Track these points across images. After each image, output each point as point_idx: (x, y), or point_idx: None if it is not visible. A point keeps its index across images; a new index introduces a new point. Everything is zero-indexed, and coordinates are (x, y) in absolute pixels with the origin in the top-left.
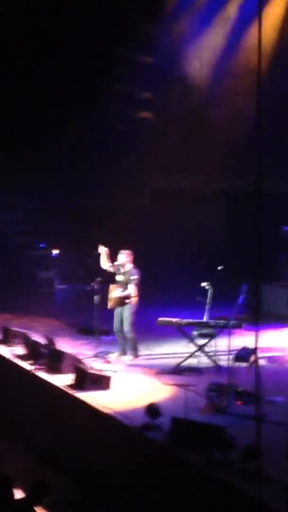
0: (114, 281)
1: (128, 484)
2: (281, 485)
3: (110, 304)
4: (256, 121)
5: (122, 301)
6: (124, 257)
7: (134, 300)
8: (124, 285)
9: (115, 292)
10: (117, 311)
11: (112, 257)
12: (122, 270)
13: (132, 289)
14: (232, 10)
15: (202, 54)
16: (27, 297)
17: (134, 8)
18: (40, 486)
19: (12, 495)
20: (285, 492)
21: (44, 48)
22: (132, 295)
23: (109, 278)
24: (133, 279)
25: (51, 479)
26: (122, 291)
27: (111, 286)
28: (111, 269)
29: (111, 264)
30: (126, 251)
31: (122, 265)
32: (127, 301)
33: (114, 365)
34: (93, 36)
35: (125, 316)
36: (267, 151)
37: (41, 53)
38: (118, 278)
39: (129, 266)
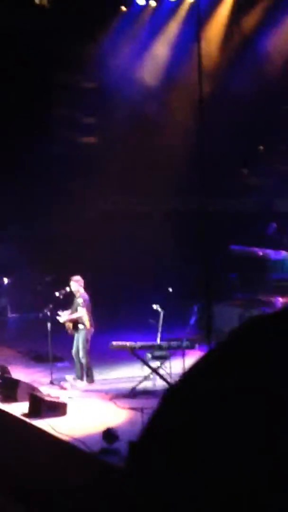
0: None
1: (89, 508)
2: None
3: (67, 330)
4: (200, 140)
5: (75, 326)
6: (75, 284)
7: (87, 325)
8: (74, 309)
9: (63, 317)
10: (75, 336)
11: (64, 283)
12: (74, 297)
13: (81, 313)
14: (173, 28)
15: (144, 75)
16: None
17: (75, 33)
18: None
19: None
20: None
21: None
22: (83, 319)
23: (61, 304)
24: (81, 303)
25: (7, 509)
26: (71, 315)
27: (64, 312)
28: (61, 296)
29: (60, 291)
30: (77, 277)
31: (74, 292)
32: (80, 326)
33: (70, 391)
34: (34, 61)
35: (79, 342)
36: (213, 170)
37: None
38: (74, 303)
39: (79, 292)
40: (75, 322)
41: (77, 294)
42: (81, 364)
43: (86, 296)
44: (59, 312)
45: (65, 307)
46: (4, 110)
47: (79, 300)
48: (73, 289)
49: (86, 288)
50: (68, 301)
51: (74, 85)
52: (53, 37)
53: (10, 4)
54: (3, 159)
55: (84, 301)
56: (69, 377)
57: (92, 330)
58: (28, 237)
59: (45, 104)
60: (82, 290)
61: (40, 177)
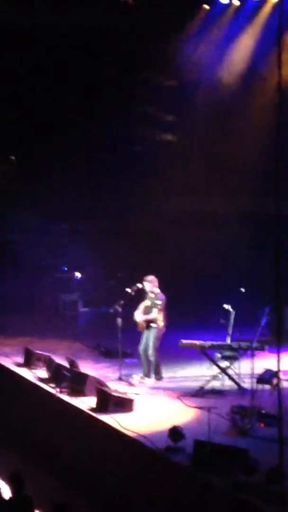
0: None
1: (151, 508)
2: None
3: (138, 327)
4: (277, 142)
5: (148, 325)
6: (149, 285)
7: (160, 324)
8: (150, 309)
9: (140, 316)
10: (144, 334)
11: (136, 280)
12: (148, 294)
13: (156, 314)
14: (255, 28)
15: (226, 74)
16: (50, 320)
17: (158, 31)
18: (61, 509)
19: None
20: None
21: (68, 73)
22: (158, 319)
23: (132, 300)
24: (159, 304)
25: (72, 503)
26: (146, 315)
27: (138, 309)
28: (133, 293)
29: (132, 287)
30: (150, 277)
31: (149, 290)
32: (153, 325)
33: (137, 387)
34: (116, 59)
35: (150, 340)
36: None
37: (66, 78)
38: (146, 302)
39: (156, 291)
40: (148, 321)
41: (151, 293)
42: (148, 361)
43: (163, 297)
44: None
45: (135, 303)
46: (82, 106)
47: (157, 302)
48: (147, 289)
49: (159, 286)
50: (139, 298)
51: (156, 83)
52: (136, 34)
53: (95, 1)
54: (82, 157)
55: (163, 302)
56: (136, 376)
57: (164, 329)
58: (102, 233)
59: (127, 101)
60: (158, 290)
61: (118, 175)
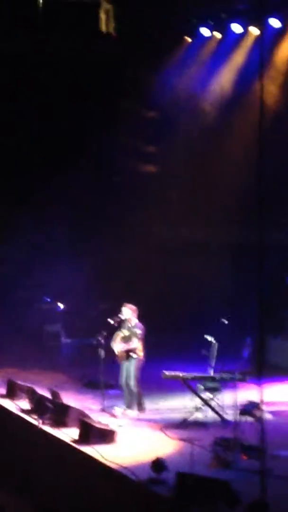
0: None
1: None
2: None
3: (117, 358)
4: (258, 173)
5: (127, 355)
6: (129, 312)
7: (140, 355)
8: (129, 339)
9: (119, 346)
10: (124, 365)
11: (118, 310)
12: (126, 325)
13: (136, 344)
14: (237, 60)
15: (206, 106)
16: (33, 351)
17: (139, 62)
18: None
19: None
20: None
21: (49, 102)
22: (137, 349)
23: (115, 331)
24: (138, 334)
25: None
26: (125, 345)
27: (114, 339)
28: (115, 324)
29: (114, 318)
30: (131, 306)
31: (128, 320)
32: (133, 355)
33: (120, 419)
34: (98, 89)
35: (130, 371)
36: (272, 203)
37: (46, 107)
38: (123, 332)
39: (134, 321)
40: (128, 352)
41: (131, 323)
42: (131, 392)
43: (142, 327)
44: (112, 341)
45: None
46: (64, 137)
47: (137, 331)
48: (126, 317)
49: (140, 317)
50: (119, 328)
51: (138, 114)
52: (118, 65)
53: (77, 32)
54: (63, 186)
55: (142, 332)
56: (119, 408)
57: (144, 359)
58: (84, 265)
59: (110, 132)
60: (136, 320)
61: (100, 206)
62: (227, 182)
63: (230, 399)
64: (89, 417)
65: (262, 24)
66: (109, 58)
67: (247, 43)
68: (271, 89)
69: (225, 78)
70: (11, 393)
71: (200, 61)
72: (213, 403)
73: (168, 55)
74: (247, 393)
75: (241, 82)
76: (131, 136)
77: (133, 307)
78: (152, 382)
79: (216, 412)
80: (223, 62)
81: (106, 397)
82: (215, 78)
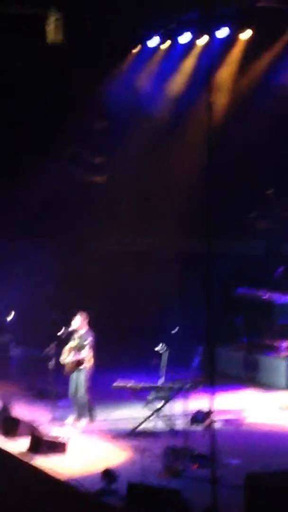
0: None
1: None
2: None
3: (65, 370)
4: (208, 183)
5: (77, 366)
6: (79, 320)
7: (89, 364)
8: (80, 348)
9: (68, 357)
10: (73, 376)
11: (67, 321)
12: (76, 335)
13: (86, 353)
14: (185, 69)
15: (155, 115)
16: None
17: (87, 72)
18: None
19: None
20: None
21: None
22: (87, 359)
23: (65, 342)
24: (87, 343)
25: None
26: (75, 355)
27: (64, 351)
28: (64, 335)
29: (64, 329)
30: (82, 315)
31: (77, 329)
32: (81, 366)
33: (70, 430)
34: (46, 100)
35: (79, 381)
36: (220, 211)
37: None
38: (72, 342)
39: (83, 330)
40: (78, 362)
41: (81, 331)
42: (80, 403)
43: (92, 334)
44: (63, 353)
45: (66, 345)
46: (14, 145)
47: (88, 339)
48: (76, 325)
49: (91, 326)
50: (69, 338)
51: (86, 124)
52: (66, 75)
53: (25, 42)
54: (10, 196)
55: (92, 340)
56: (70, 418)
57: (93, 368)
58: (32, 275)
59: (54, 142)
60: (86, 328)
61: (48, 216)
62: (176, 191)
63: (180, 408)
64: (38, 429)
65: (210, 33)
66: (56, 67)
67: (195, 52)
68: (219, 97)
69: (173, 87)
70: None
71: (149, 71)
72: (162, 413)
73: (116, 64)
74: (198, 402)
75: (190, 91)
76: (79, 147)
77: (84, 314)
78: (103, 392)
79: (166, 421)
80: (172, 71)
81: (56, 407)
82: (164, 87)
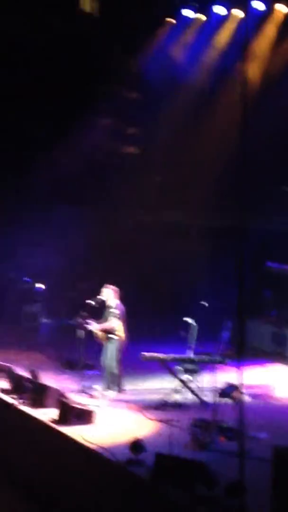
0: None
1: None
2: None
3: (98, 339)
4: (241, 157)
5: (107, 336)
6: (109, 292)
7: (120, 335)
8: (109, 319)
9: (95, 326)
10: (106, 345)
11: (98, 291)
12: (107, 306)
13: (114, 323)
14: (222, 41)
15: (189, 88)
16: (12, 331)
17: (120, 44)
18: None
19: None
20: None
21: (28, 83)
22: (116, 329)
23: (94, 312)
24: (117, 314)
25: None
26: (105, 325)
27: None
28: (94, 304)
29: (94, 299)
30: (111, 287)
31: (108, 301)
32: (113, 336)
33: (99, 400)
34: (79, 71)
35: (111, 352)
36: (253, 186)
37: (27, 87)
38: (104, 313)
39: (114, 302)
40: (107, 332)
41: (110, 303)
42: (111, 373)
43: (121, 307)
44: (89, 321)
45: (98, 315)
46: (47, 115)
47: (115, 311)
48: (105, 298)
49: (121, 298)
50: (101, 310)
51: (120, 95)
52: (100, 46)
53: (58, 11)
54: (41, 166)
55: (120, 312)
56: (98, 387)
57: (126, 341)
58: (64, 245)
59: (88, 113)
60: (117, 301)
61: (80, 187)
62: (209, 165)
63: (209, 381)
64: (68, 398)
65: (245, 7)
66: (91, 38)
67: (231, 25)
68: (253, 71)
69: (208, 60)
70: None
71: (183, 43)
72: (192, 385)
73: (151, 36)
74: (226, 376)
75: (224, 64)
76: (112, 117)
77: (114, 287)
78: (132, 364)
79: (195, 394)
80: (206, 44)
81: (84, 377)
82: (198, 58)
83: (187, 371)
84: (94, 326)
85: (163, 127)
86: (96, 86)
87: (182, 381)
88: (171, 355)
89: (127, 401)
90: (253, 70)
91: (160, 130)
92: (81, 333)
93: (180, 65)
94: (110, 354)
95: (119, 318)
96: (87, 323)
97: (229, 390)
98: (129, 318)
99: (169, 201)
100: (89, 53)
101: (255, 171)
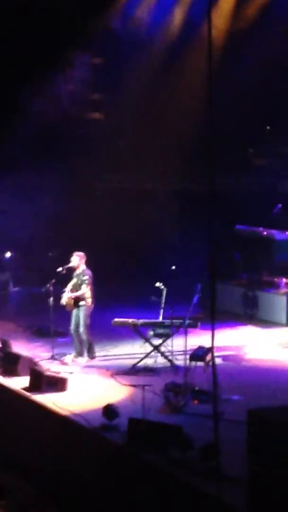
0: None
1: (86, 485)
2: (240, 483)
3: (66, 307)
4: (208, 121)
5: (76, 303)
6: (77, 259)
7: (89, 301)
8: (78, 286)
9: (66, 294)
10: (74, 312)
11: (66, 259)
12: (74, 273)
13: (84, 290)
14: (184, 5)
15: (153, 54)
16: None
17: (83, 10)
18: None
19: None
20: (243, 489)
21: None
22: (86, 295)
23: (64, 280)
24: (85, 279)
25: (7, 482)
26: (74, 292)
27: (67, 288)
28: (64, 272)
29: (62, 267)
30: (79, 253)
31: (75, 268)
32: (82, 303)
33: (71, 367)
34: (42, 37)
35: (80, 318)
36: (219, 149)
37: None
38: (73, 281)
39: (82, 267)
40: (77, 299)
41: (79, 269)
42: (80, 340)
43: (90, 273)
44: (64, 290)
45: (66, 282)
46: (9, 82)
47: (84, 278)
48: (74, 264)
49: (89, 264)
50: (69, 278)
51: (84, 61)
52: (61, 11)
53: None
54: (8, 135)
55: (89, 278)
56: (69, 355)
57: (93, 306)
58: (31, 213)
59: (52, 79)
60: (84, 267)
61: (46, 153)
62: (176, 129)
63: (181, 345)
64: (39, 365)
65: None
66: (52, 4)
67: None
68: (218, 29)
69: (172, 22)
70: None
71: (147, 3)
72: (163, 349)
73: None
74: (198, 339)
75: (189, 25)
76: (77, 84)
77: (81, 253)
78: (103, 329)
79: (166, 358)
80: (171, 3)
81: (55, 345)
82: (162, 21)
83: (158, 335)
84: (66, 295)
85: (128, 92)
86: (59, 52)
87: (153, 345)
88: (142, 320)
89: (99, 367)
90: (219, 28)
91: (125, 95)
92: (51, 301)
93: (144, 28)
94: (80, 321)
95: (88, 284)
96: (57, 291)
97: (201, 353)
98: (100, 284)
99: (136, 166)
100: (52, 19)
101: (222, 134)
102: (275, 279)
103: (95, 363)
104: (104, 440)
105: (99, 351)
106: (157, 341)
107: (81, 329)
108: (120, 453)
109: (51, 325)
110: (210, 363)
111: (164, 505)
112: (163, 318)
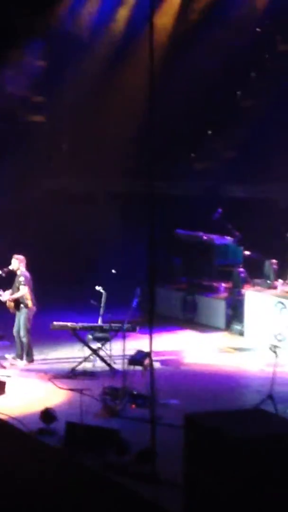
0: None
1: (24, 489)
2: (176, 487)
3: (9, 309)
4: (149, 123)
5: (17, 305)
6: (17, 262)
7: (29, 303)
8: (17, 289)
9: (5, 296)
10: (17, 315)
11: (6, 261)
12: (16, 276)
13: (23, 291)
14: (127, 5)
15: (96, 56)
16: None
17: (25, 11)
18: None
19: None
20: (179, 493)
21: None
22: (25, 297)
23: (4, 283)
24: (21, 281)
25: None
26: (13, 295)
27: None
28: (4, 275)
29: (4, 270)
30: (19, 256)
31: (14, 271)
32: (22, 306)
33: (9, 370)
34: None
35: (21, 322)
36: (160, 153)
37: None
38: (15, 283)
39: (21, 270)
40: (17, 301)
41: (18, 272)
42: (21, 343)
43: (27, 274)
44: (0, 292)
45: (7, 286)
46: None
47: (20, 278)
48: (14, 267)
49: (28, 267)
50: (10, 280)
51: (25, 63)
52: (3, 11)
53: None
54: None
55: (25, 279)
56: (9, 356)
57: (34, 309)
58: None
59: None
60: (23, 269)
61: None
62: (117, 131)
63: (119, 349)
64: None
65: None
66: None
67: None
68: (161, 34)
69: (115, 23)
70: None
71: (91, 6)
72: (101, 353)
73: (57, 2)
74: (136, 343)
75: (132, 28)
76: (18, 86)
77: (21, 256)
78: (42, 333)
79: (105, 362)
80: (114, 5)
81: None
82: (105, 22)
83: (97, 339)
84: (4, 296)
85: (70, 94)
86: (1, 54)
87: (92, 349)
88: (80, 324)
89: (37, 371)
90: (162, 29)
91: (66, 98)
92: None
93: (86, 30)
94: (20, 323)
95: (25, 285)
96: None
97: (139, 357)
98: (40, 287)
99: (76, 169)
100: None
101: (163, 138)
102: (215, 284)
103: (33, 367)
104: (41, 444)
105: (37, 354)
106: (96, 345)
107: (22, 332)
108: (57, 457)
109: None
110: (149, 367)
111: (100, 509)
112: (102, 322)
